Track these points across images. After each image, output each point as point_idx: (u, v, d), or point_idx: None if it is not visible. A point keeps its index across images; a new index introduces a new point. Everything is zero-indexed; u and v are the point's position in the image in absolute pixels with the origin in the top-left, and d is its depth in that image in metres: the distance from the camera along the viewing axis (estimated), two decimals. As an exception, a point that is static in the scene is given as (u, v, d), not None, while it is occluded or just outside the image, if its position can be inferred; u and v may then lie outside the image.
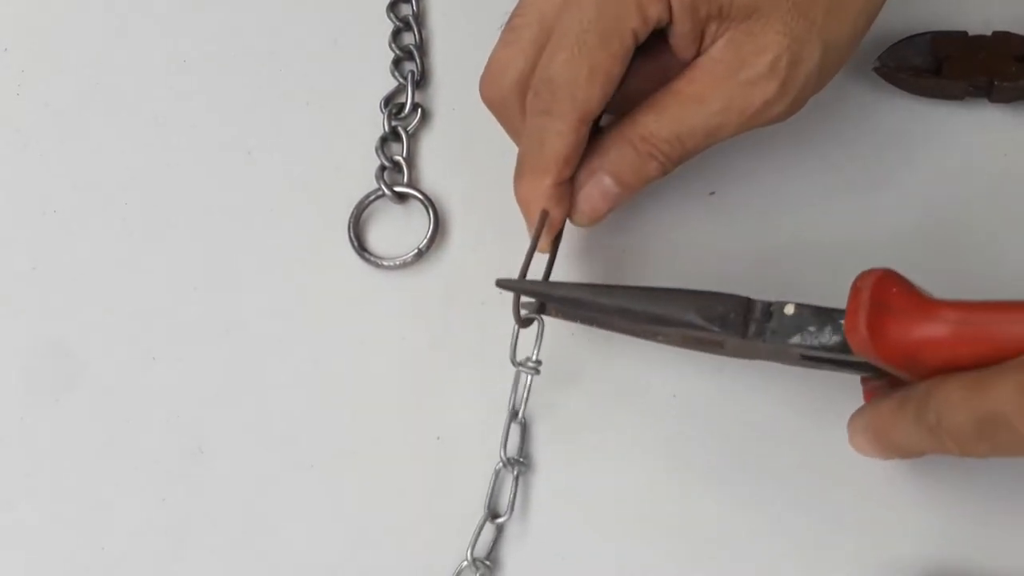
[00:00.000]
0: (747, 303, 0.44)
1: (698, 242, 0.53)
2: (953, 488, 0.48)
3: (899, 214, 0.53)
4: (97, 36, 0.60)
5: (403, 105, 0.57)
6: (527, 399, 0.50)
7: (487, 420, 0.50)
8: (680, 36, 0.45)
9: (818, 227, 0.53)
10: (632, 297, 0.45)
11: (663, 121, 0.46)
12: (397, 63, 0.58)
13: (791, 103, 0.46)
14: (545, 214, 0.47)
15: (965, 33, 0.54)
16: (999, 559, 0.47)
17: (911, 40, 0.54)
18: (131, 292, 0.55)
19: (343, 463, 0.51)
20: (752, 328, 0.44)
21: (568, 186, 0.48)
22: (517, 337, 0.49)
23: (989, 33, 0.54)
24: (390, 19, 0.59)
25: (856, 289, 0.41)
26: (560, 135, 0.46)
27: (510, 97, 0.47)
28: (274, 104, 0.58)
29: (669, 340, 0.48)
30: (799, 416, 0.49)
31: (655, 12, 0.44)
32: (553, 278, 0.49)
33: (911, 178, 0.54)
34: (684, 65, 0.47)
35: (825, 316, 0.43)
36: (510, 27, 0.47)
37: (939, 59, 0.53)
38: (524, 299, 0.48)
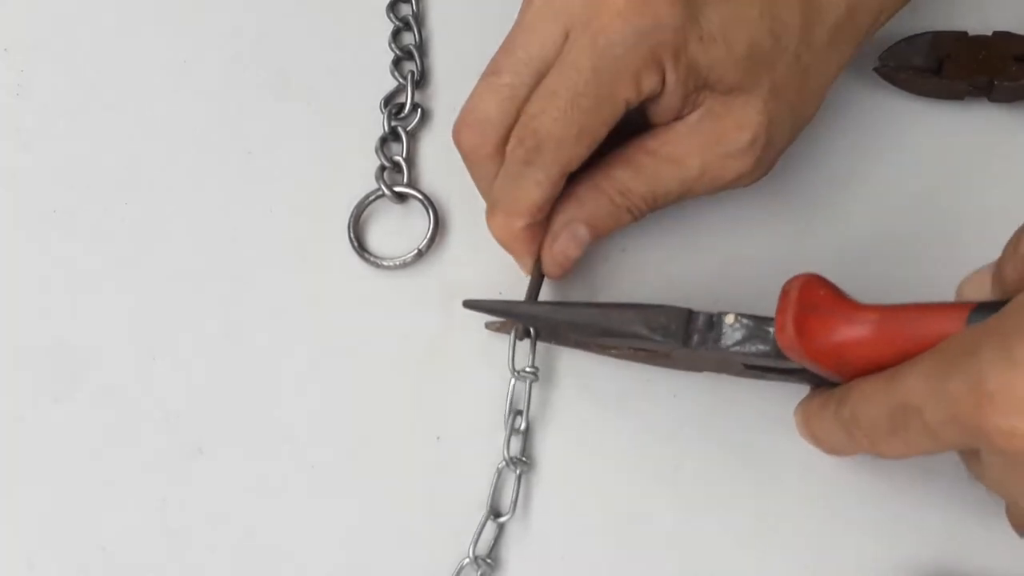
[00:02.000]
0: (689, 314, 0.46)
1: (698, 241, 0.53)
2: (953, 488, 0.48)
3: (899, 213, 0.53)
4: (97, 36, 0.60)
5: (403, 105, 0.57)
6: (529, 405, 0.50)
7: (487, 420, 0.51)
8: (665, 108, 0.46)
9: (817, 226, 0.53)
10: (582, 312, 0.48)
11: (640, 179, 0.47)
12: (397, 63, 0.58)
13: (760, 175, 0.49)
14: (539, 263, 0.49)
15: (965, 33, 0.54)
16: (999, 559, 0.47)
17: (911, 40, 0.54)
18: (131, 292, 0.54)
19: (343, 463, 0.51)
20: (695, 338, 0.46)
21: (539, 226, 0.49)
22: (515, 346, 0.50)
23: (989, 33, 0.54)
24: (390, 19, 0.59)
25: (785, 292, 0.42)
26: (539, 185, 0.47)
27: (493, 152, 0.47)
28: (274, 104, 0.58)
29: (621, 353, 0.50)
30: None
31: (649, 85, 0.45)
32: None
33: (911, 177, 0.54)
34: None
35: (760, 324, 0.44)
36: (499, 80, 0.47)
37: (939, 59, 0.54)
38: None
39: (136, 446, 0.52)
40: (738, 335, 0.45)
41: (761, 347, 0.44)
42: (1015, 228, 0.52)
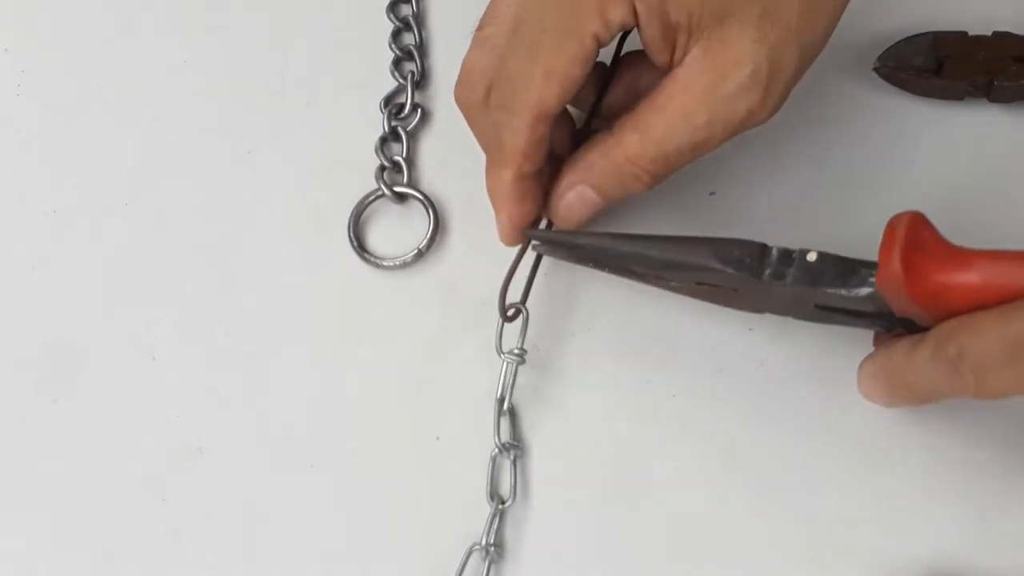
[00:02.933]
0: (763, 248, 0.45)
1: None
2: (954, 488, 0.48)
3: (898, 211, 0.52)
4: (97, 36, 0.60)
5: (403, 105, 0.57)
6: (513, 387, 0.50)
7: (487, 420, 0.50)
8: (650, 40, 0.45)
9: (817, 226, 0.53)
10: (650, 244, 0.47)
11: (648, 141, 0.46)
12: (397, 63, 0.58)
13: (773, 107, 0.47)
14: (526, 244, 0.50)
15: (965, 33, 0.54)
16: (999, 559, 0.47)
17: (911, 40, 0.54)
18: (131, 292, 0.54)
19: (343, 463, 0.51)
20: (768, 272, 0.44)
21: (532, 182, 0.48)
22: (502, 328, 0.50)
23: (989, 33, 0.54)
24: (390, 19, 0.59)
25: (891, 227, 0.42)
26: (516, 131, 0.46)
27: (481, 102, 0.47)
28: (274, 104, 0.58)
29: (681, 287, 0.49)
30: (799, 416, 0.49)
31: (617, 16, 0.44)
32: (552, 279, 0.51)
33: (911, 178, 0.54)
34: (662, 74, 0.47)
35: (850, 266, 0.43)
36: (482, 33, 0.47)
37: (939, 59, 0.53)
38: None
39: (136, 446, 0.52)
40: (822, 274, 0.44)
41: (849, 291, 0.43)
42: (1015, 226, 0.52)
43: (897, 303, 0.42)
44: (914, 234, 0.41)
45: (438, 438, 0.51)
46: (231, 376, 0.53)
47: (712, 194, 0.54)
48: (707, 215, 0.53)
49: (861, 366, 0.46)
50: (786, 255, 0.45)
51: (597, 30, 0.44)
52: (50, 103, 0.59)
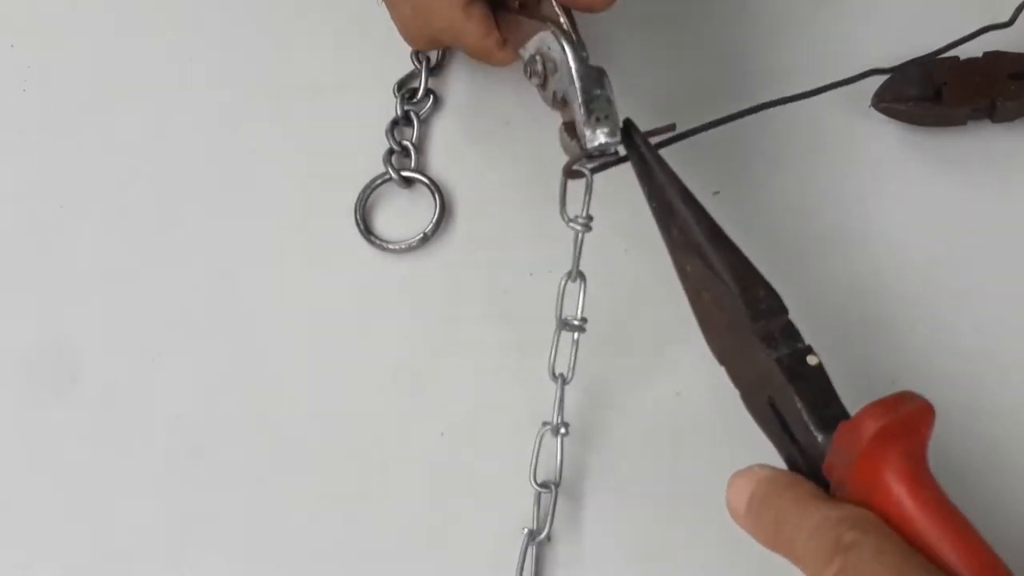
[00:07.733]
0: (782, 308, 0.42)
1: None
2: (953, 490, 0.45)
3: (912, 239, 0.52)
4: (102, 31, 0.60)
5: (416, 90, 0.57)
6: (575, 361, 0.48)
7: (491, 410, 0.50)
8: None
9: (820, 229, 0.52)
10: (704, 221, 0.44)
11: None
12: (414, 47, 0.57)
13: None
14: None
15: (957, 58, 0.52)
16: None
17: (904, 71, 0.52)
18: (132, 291, 0.54)
19: (344, 459, 0.50)
20: (765, 326, 0.41)
21: None
22: (563, 294, 0.47)
23: (979, 55, 0.52)
24: (411, 4, 0.58)
25: (902, 396, 0.39)
26: None
27: None
28: (282, 85, 0.57)
29: (690, 279, 0.45)
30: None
31: None
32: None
33: (925, 208, 0.52)
34: None
35: (831, 397, 0.40)
36: None
37: (936, 86, 0.52)
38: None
39: (136, 446, 0.52)
40: (807, 379, 0.40)
41: (808, 410, 0.40)
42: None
43: (838, 455, 0.39)
44: (913, 420, 0.38)
45: (442, 434, 0.50)
46: (232, 375, 0.52)
47: (716, 193, 0.52)
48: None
49: (738, 475, 0.42)
50: (792, 335, 0.41)
51: None
52: (55, 99, 0.58)
